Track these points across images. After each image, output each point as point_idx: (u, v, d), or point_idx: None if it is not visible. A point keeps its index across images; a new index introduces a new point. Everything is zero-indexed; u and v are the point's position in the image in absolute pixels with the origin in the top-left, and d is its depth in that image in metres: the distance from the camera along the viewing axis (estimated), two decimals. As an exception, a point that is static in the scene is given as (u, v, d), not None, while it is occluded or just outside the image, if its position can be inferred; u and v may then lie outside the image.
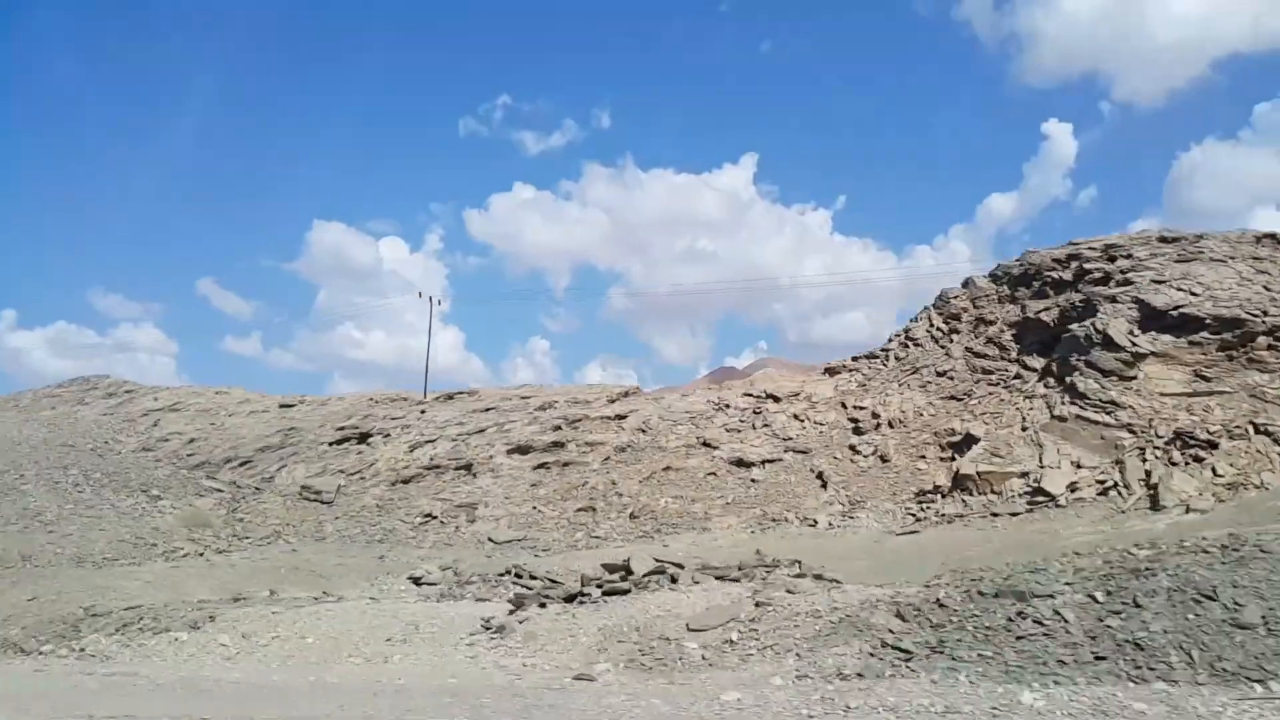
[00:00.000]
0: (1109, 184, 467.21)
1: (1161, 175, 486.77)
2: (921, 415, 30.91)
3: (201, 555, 24.59)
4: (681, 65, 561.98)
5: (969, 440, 27.65)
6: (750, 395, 35.78)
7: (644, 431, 34.32)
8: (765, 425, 33.08)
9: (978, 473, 25.62)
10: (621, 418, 35.69)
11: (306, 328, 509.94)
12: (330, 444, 37.82)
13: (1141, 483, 22.99)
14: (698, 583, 13.73)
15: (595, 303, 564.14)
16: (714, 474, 30.88)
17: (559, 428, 35.48)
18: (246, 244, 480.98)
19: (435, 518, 30.38)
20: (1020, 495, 24.52)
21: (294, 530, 29.13)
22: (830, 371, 37.75)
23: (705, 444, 32.60)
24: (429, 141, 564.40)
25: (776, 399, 34.81)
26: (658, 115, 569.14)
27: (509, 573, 18.74)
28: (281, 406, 43.89)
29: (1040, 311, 31.56)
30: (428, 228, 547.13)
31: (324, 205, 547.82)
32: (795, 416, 33.31)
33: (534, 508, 30.51)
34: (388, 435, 37.96)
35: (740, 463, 31.04)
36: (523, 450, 34.37)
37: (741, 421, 33.86)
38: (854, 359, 37.59)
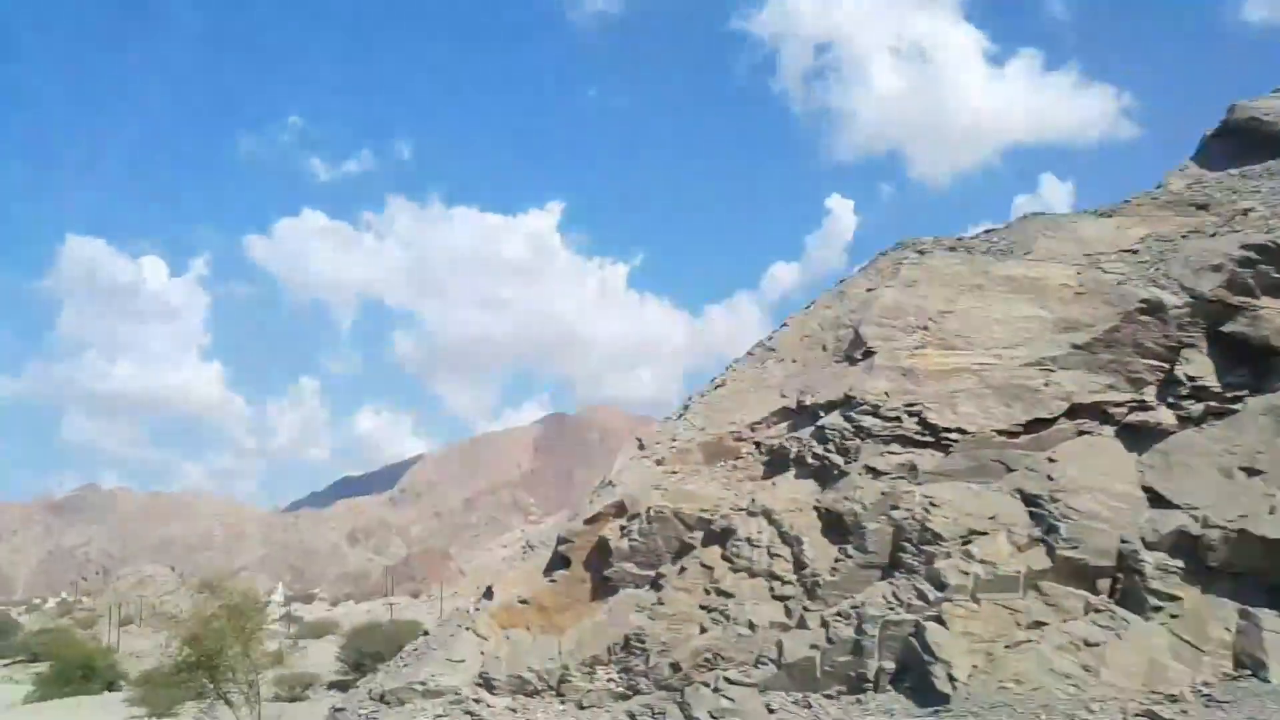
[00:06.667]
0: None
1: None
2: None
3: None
4: (498, 101, 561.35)
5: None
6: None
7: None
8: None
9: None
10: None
11: (40, 355, 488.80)
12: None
13: None
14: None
15: (380, 344, 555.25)
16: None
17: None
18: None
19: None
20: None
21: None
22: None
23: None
24: (202, 158, 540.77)
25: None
26: (466, 151, 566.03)
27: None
28: None
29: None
30: (194, 251, 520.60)
31: (81, 219, 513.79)
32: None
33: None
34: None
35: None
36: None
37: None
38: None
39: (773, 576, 19.55)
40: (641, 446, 26.42)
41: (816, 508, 20.35)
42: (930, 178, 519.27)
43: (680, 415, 27.58)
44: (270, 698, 28.44)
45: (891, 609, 17.68)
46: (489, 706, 19.39)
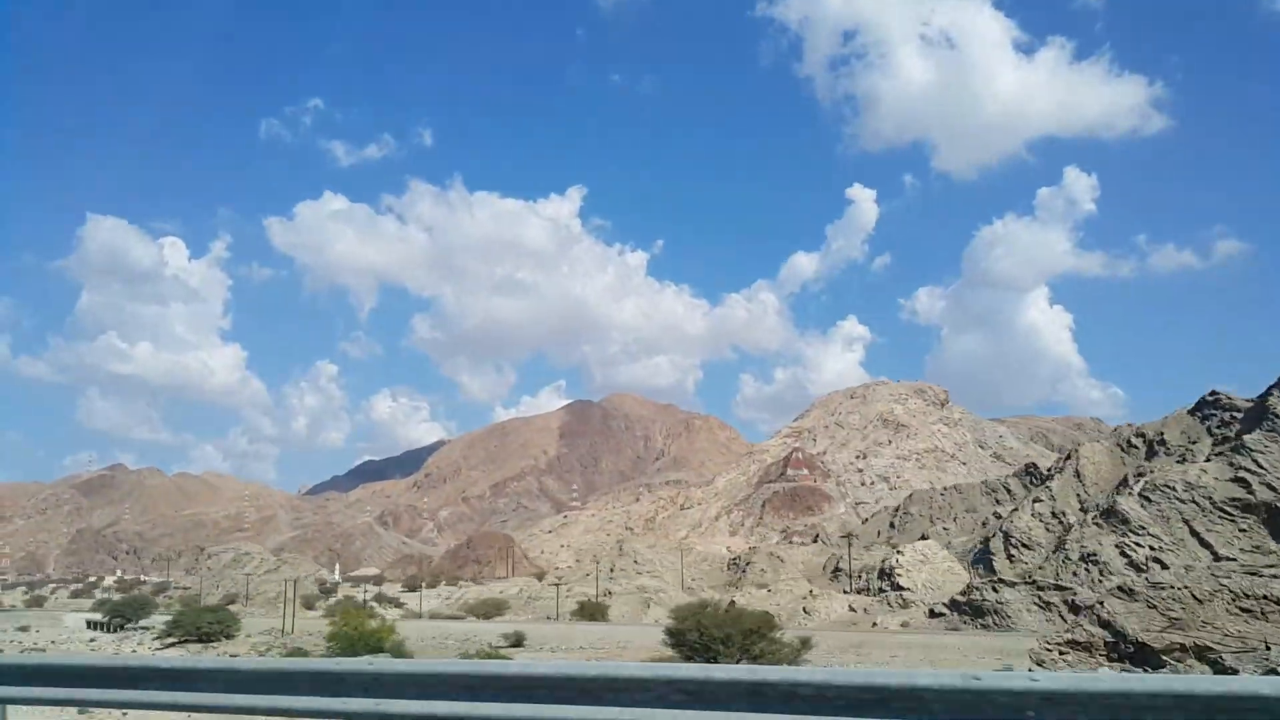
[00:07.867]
0: (905, 251, 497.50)
1: (961, 246, 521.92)
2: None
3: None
4: (521, 86, 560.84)
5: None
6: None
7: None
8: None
9: None
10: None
11: (60, 335, 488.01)
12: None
13: None
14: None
15: (399, 328, 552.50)
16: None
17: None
18: (5, 236, 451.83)
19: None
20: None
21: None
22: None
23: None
24: (224, 140, 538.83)
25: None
26: (488, 136, 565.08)
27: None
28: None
29: None
30: (214, 233, 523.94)
31: (101, 198, 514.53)
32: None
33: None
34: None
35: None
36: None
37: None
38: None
39: None
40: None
41: None
42: (954, 168, 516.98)
43: None
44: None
45: None
46: None
